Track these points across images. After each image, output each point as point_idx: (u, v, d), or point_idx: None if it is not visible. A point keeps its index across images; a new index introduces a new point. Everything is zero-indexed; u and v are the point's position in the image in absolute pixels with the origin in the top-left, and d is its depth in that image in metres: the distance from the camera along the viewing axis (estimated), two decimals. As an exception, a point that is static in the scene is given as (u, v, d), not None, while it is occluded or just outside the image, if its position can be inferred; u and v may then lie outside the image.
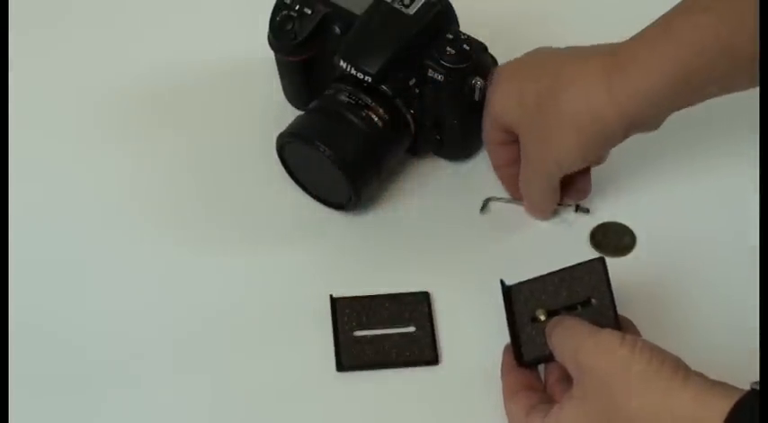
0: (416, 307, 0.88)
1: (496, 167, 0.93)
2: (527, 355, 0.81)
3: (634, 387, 0.72)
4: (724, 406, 0.69)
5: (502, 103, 0.88)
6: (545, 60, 0.87)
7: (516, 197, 0.92)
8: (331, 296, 0.88)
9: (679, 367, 0.72)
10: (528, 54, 0.88)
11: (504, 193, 0.93)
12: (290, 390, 0.85)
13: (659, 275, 0.89)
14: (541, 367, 0.82)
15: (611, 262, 0.84)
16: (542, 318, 0.80)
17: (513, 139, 0.89)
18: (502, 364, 0.82)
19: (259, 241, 0.93)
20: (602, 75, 0.83)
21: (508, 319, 0.82)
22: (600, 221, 0.91)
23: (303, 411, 0.85)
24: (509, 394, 0.80)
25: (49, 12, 1.05)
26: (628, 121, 0.83)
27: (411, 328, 0.87)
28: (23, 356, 0.86)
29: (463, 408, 0.84)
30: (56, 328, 0.89)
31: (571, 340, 0.76)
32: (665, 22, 0.83)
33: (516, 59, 0.89)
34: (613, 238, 0.90)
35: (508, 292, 0.82)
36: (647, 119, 0.84)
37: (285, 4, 0.92)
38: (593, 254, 0.87)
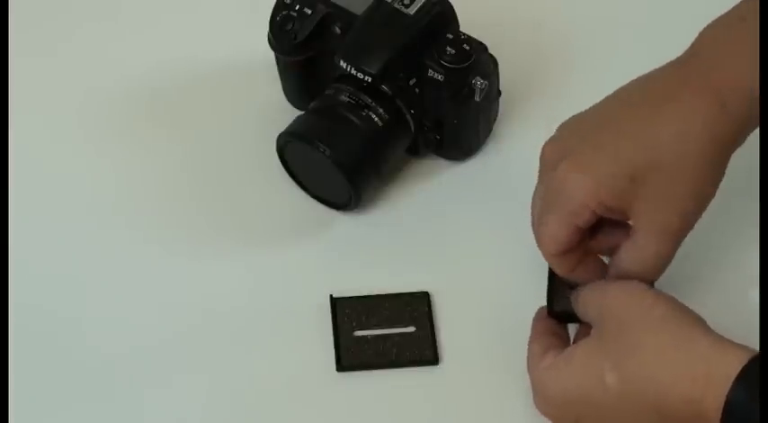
0: (416, 307, 0.88)
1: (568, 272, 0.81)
2: (557, 306, 0.82)
3: (651, 328, 0.73)
4: (740, 359, 0.69)
5: (599, 180, 0.77)
6: (611, 113, 0.79)
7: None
8: (331, 296, 0.88)
9: (700, 321, 0.74)
10: (580, 119, 0.80)
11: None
12: (290, 390, 0.85)
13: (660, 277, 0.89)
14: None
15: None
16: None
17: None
18: (535, 314, 0.83)
19: (259, 241, 0.93)
20: (701, 88, 0.77)
21: (549, 280, 0.83)
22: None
23: (303, 411, 0.85)
24: (535, 336, 0.81)
25: (49, 11, 1.05)
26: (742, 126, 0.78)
27: (411, 328, 0.87)
28: (23, 357, 0.86)
29: (463, 408, 0.84)
30: (55, 328, 0.89)
31: (598, 290, 0.78)
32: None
33: (570, 128, 0.80)
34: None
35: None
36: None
37: (285, 4, 0.92)
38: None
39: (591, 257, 0.81)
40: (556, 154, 0.79)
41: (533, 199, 0.82)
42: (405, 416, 0.85)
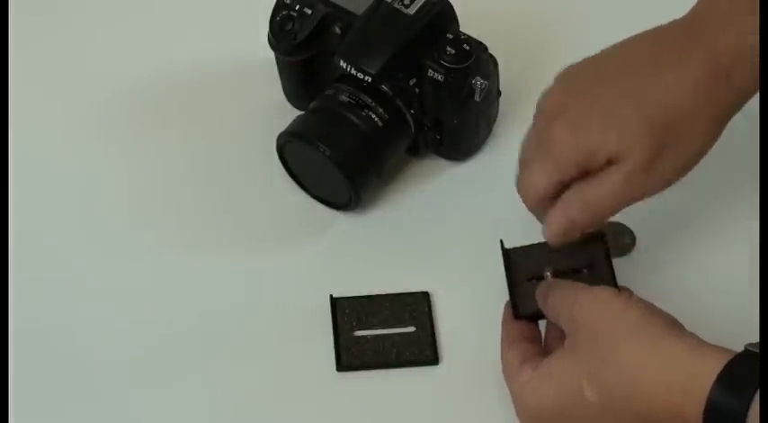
0: (416, 307, 0.88)
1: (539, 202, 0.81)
2: (523, 310, 0.82)
3: (626, 335, 0.73)
4: (718, 361, 0.69)
5: (591, 140, 0.77)
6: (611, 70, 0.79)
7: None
8: (331, 296, 0.88)
9: (674, 324, 0.74)
10: (576, 72, 0.81)
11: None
12: (290, 390, 0.85)
13: (659, 275, 0.89)
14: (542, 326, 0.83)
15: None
16: (548, 276, 0.82)
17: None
18: (502, 316, 0.83)
19: (259, 241, 0.93)
20: (706, 58, 0.77)
21: (507, 276, 0.83)
22: (600, 221, 0.91)
23: (303, 411, 0.85)
24: (507, 343, 0.81)
25: (50, 11, 1.05)
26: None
27: (411, 328, 0.87)
28: (23, 357, 0.86)
29: (463, 408, 0.84)
30: (56, 328, 0.89)
31: (567, 297, 0.77)
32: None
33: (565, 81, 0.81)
34: (613, 238, 0.90)
35: (507, 254, 0.83)
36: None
37: (285, 4, 0.92)
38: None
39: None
40: (553, 106, 0.79)
41: (522, 145, 0.82)
42: (405, 416, 0.85)
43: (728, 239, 0.90)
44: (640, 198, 0.79)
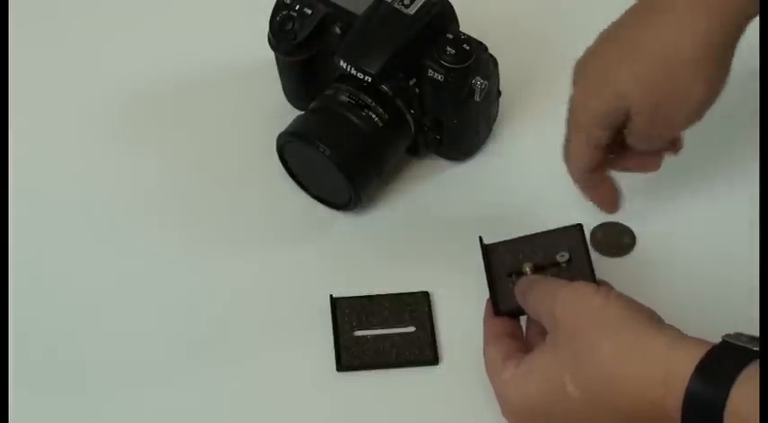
0: (416, 307, 0.88)
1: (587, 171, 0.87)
2: (503, 306, 0.82)
3: (606, 331, 0.73)
4: (696, 354, 0.69)
5: (617, 84, 0.82)
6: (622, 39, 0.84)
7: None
8: (331, 296, 0.88)
9: (653, 317, 0.74)
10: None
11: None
12: (290, 390, 0.85)
13: (659, 275, 0.89)
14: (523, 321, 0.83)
15: (611, 262, 0.84)
16: (528, 271, 0.82)
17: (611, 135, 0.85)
18: (484, 313, 0.83)
19: (259, 241, 0.93)
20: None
21: (486, 272, 0.83)
22: (600, 221, 0.91)
23: (303, 411, 0.85)
24: (490, 339, 0.81)
25: (50, 12, 1.05)
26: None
27: (411, 328, 0.87)
28: (25, 358, 0.86)
29: (463, 408, 0.84)
30: (57, 328, 0.89)
31: (546, 294, 0.77)
32: None
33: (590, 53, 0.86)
34: (613, 238, 0.90)
35: (486, 250, 0.83)
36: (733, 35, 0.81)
37: (285, 4, 0.92)
38: (593, 253, 0.87)
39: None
40: (574, 75, 0.85)
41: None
42: (405, 416, 0.85)
43: (728, 240, 0.90)
44: (656, 143, 0.85)
